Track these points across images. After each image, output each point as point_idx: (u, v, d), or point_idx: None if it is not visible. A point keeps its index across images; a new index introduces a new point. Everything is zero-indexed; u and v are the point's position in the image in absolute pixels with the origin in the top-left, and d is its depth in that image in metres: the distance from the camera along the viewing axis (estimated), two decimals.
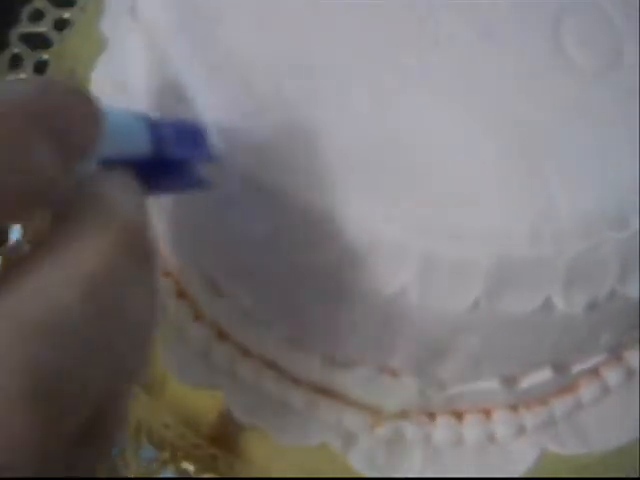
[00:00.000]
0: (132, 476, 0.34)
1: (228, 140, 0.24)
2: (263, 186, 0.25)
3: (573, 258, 0.25)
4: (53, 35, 0.41)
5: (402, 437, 0.34)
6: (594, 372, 0.34)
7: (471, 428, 0.34)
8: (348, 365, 0.31)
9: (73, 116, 0.17)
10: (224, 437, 0.35)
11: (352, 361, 0.31)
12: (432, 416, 0.34)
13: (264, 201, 0.25)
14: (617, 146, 0.26)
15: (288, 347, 0.32)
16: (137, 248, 0.16)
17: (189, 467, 0.35)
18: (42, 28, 0.41)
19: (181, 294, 0.36)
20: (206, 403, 0.35)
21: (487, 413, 0.34)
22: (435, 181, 0.25)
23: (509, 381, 0.31)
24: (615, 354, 0.34)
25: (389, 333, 0.28)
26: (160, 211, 0.28)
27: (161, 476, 0.34)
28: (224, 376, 0.35)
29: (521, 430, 0.34)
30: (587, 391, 0.34)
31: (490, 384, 0.31)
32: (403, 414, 0.34)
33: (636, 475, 0.34)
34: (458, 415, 0.34)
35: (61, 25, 0.42)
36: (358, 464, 0.34)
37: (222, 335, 0.35)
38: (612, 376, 0.34)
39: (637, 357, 0.35)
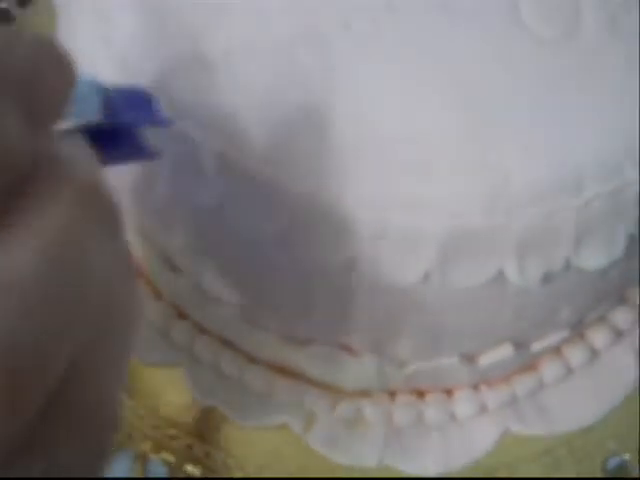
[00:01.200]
0: None
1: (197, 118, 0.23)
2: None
3: (526, 227, 0.25)
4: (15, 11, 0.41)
5: (362, 417, 0.33)
6: (556, 351, 0.34)
7: (432, 407, 0.33)
8: (306, 343, 0.31)
9: (44, 77, 0.15)
10: (199, 427, 0.34)
11: (310, 339, 0.30)
12: (393, 395, 0.33)
13: (218, 169, 0.25)
14: (572, 114, 0.25)
15: (245, 325, 0.32)
16: (95, 207, 0.16)
17: (169, 457, 0.34)
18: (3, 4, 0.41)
19: (140, 273, 0.35)
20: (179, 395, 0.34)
21: (449, 392, 0.33)
22: (387, 150, 0.25)
23: (469, 358, 0.31)
24: (577, 333, 0.34)
25: (343, 308, 0.27)
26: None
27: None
28: (184, 355, 0.34)
29: (483, 409, 0.33)
30: (549, 370, 0.34)
31: (450, 361, 0.31)
32: (363, 393, 0.33)
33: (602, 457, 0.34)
34: (419, 394, 0.34)
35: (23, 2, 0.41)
36: (318, 445, 0.33)
37: (182, 314, 0.34)
38: (575, 356, 0.34)
39: (601, 337, 0.34)
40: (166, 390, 0.34)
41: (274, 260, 0.27)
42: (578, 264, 0.26)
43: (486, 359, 0.31)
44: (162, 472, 0.33)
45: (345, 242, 0.25)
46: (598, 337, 0.34)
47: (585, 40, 0.27)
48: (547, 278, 0.26)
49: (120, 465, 0.33)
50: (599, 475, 0.33)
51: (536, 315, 0.29)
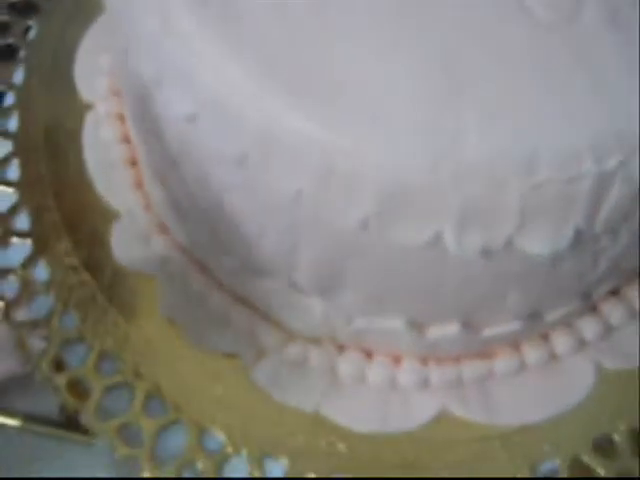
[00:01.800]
0: None
1: None
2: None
3: (469, 196, 0.25)
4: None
5: (308, 362, 0.34)
6: (514, 345, 0.34)
7: (376, 369, 0.34)
8: (262, 275, 0.32)
9: None
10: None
11: (265, 271, 0.31)
12: (342, 348, 0.34)
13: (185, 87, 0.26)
14: (546, 98, 0.25)
15: (212, 249, 0.33)
16: None
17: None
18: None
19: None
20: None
21: (396, 359, 0.34)
22: (348, 98, 0.25)
23: (415, 326, 0.31)
24: (537, 332, 0.33)
25: (290, 241, 0.28)
26: None
27: None
28: (159, 266, 0.36)
29: (426, 383, 0.33)
30: (503, 362, 0.34)
31: (394, 324, 0.31)
32: (314, 340, 0.34)
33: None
34: (368, 354, 0.34)
35: None
36: (262, 380, 0.34)
37: (163, 228, 0.36)
38: (532, 354, 0.34)
39: (563, 342, 0.34)
40: None
41: (231, 183, 0.28)
42: (521, 246, 0.26)
43: (434, 332, 0.32)
44: None
45: (295, 174, 0.25)
46: (560, 342, 0.34)
47: (583, 27, 0.26)
48: (487, 253, 0.26)
49: None
50: (526, 475, 0.33)
51: (481, 293, 0.29)
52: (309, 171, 0.25)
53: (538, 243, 0.26)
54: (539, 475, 0.33)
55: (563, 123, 0.25)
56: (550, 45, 0.26)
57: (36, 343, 0.35)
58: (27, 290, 0.36)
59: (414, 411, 0.34)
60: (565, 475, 0.32)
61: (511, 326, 0.32)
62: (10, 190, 0.38)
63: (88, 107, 0.40)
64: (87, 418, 0.33)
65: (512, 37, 0.26)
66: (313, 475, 0.32)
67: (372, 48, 0.26)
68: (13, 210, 0.37)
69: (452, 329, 0.31)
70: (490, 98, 0.25)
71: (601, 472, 0.32)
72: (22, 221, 0.37)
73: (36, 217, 0.37)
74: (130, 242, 0.36)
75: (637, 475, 0.32)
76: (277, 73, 0.25)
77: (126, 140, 0.38)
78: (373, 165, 0.25)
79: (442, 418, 0.34)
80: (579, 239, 0.26)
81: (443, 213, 0.25)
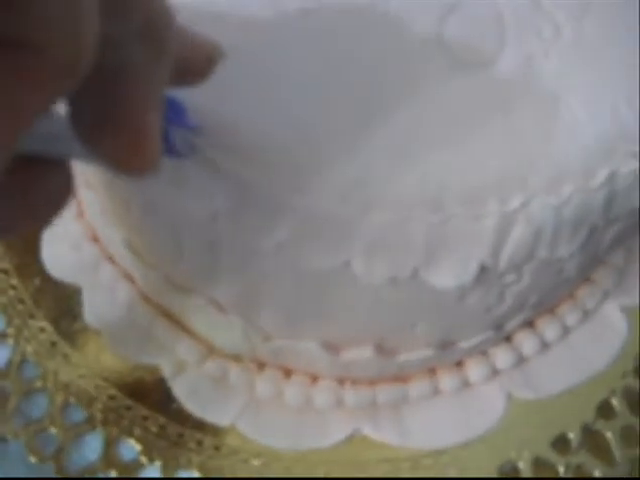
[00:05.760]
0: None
1: None
2: None
3: (378, 226, 0.25)
4: None
5: (227, 379, 0.35)
6: (429, 371, 0.35)
7: (293, 388, 0.34)
8: (184, 291, 0.32)
9: None
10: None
11: (187, 287, 0.32)
12: (262, 367, 0.35)
13: None
14: (453, 137, 0.26)
15: (138, 262, 0.33)
16: None
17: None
18: None
19: None
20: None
21: (314, 379, 0.35)
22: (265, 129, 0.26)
23: (330, 349, 0.32)
24: (451, 359, 0.34)
25: (208, 260, 0.29)
26: None
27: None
28: (88, 276, 0.36)
29: (340, 403, 0.34)
30: (417, 387, 0.35)
31: (310, 346, 0.32)
32: (234, 357, 0.35)
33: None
34: (286, 372, 0.35)
35: None
36: (180, 394, 0.35)
37: (94, 237, 0.36)
38: (446, 381, 0.35)
39: (477, 371, 0.35)
40: None
41: (151, 200, 0.28)
42: (427, 278, 0.27)
43: (348, 355, 0.32)
44: None
45: (211, 196, 0.26)
46: (474, 370, 0.35)
47: (500, 72, 0.28)
48: (395, 282, 0.27)
49: None
50: None
51: (392, 320, 0.30)
52: (225, 193, 0.26)
53: (443, 276, 0.27)
54: None
55: (471, 163, 0.26)
56: (466, 86, 0.27)
57: None
58: None
59: (328, 430, 0.35)
60: None
61: (425, 352, 0.33)
62: None
63: None
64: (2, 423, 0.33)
65: (430, 75, 0.27)
66: None
67: (292, 85, 0.26)
68: None
69: (366, 353, 0.32)
70: (402, 134, 0.26)
71: None
72: None
73: None
74: (60, 250, 0.37)
75: None
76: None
77: None
78: (287, 191, 0.25)
79: (355, 438, 0.35)
80: (484, 275, 0.27)
81: (353, 241, 0.26)
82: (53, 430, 0.34)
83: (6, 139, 0.14)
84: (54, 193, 0.18)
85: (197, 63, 0.21)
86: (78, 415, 0.34)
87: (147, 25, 0.17)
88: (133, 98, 0.18)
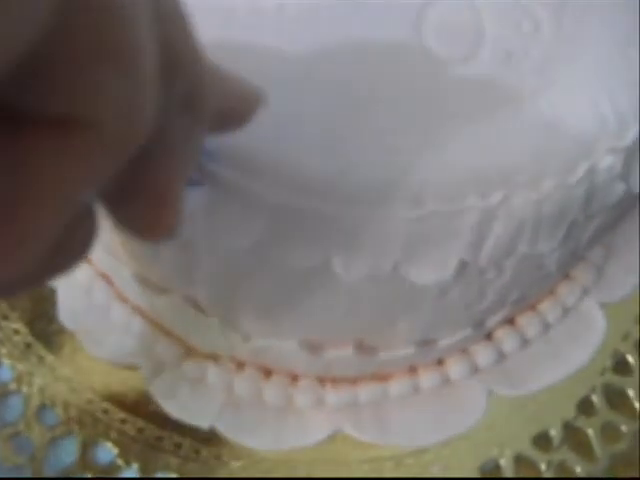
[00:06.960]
0: None
1: None
2: None
3: (358, 224, 0.25)
4: None
5: (206, 379, 0.34)
6: (410, 369, 0.35)
7: (273, 388, 0.34)
8: (161, 291, 0.32)
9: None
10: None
11: (164, 288, 0.31)
12: (241, 366, 0.34)
13: None
14: (434, 132, 0.26)
15: (115, 262, 0.33)
16: None
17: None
18: None
19: None
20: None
21: (294, 378, 0.34)
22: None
23: (310, 347, 0.32)
24: (431, 356, 0.34)
25: (186, 259, 0.28)
26: None
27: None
28: (63, 277, 0.36)
29: (320, 403, 0.34)
30: (398, 385, 0.34)
31: (290, 345, 0.31)
32: (213, 357, 0.34)
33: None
34: (266, 372, 0.34)
35: None
36: (159, 395, 0.34)
37: None
38: (426, 378, 0.35)
39: (457, 369, 0.35)
40: None
41: None
42: (407, 274, 0.26)
43: (328, 353, 0.32)
44: None
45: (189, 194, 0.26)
46: (454, 368, 0.35)
47: (479, 66, 0.27)
48: (374, 279, 0.26)
49: None
50: None
51: (372, 317, 0.29)
52: (201, 195, 0.25)
53: (423, 272, 0.26)
54: None
55: (451, 158, 0.26)
56: (446, 82, 0.27)
57: None
58: None
59: (309, 430, 0.34)
60: None
61: (405, 350, 0.32)
62: None
63: None
64: None
65: (410, 73, 0.27)
66: None
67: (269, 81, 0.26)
68: None
69: (346, 351, 0.32)
70: (382, 130, 0.26)
71: None
72: None
73: None
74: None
75: None
76: None
77: None
78: (264, 186, 0.25)
79: (336, 438, 0.34)
80: (464, 271, 0.27)
81: (332, 238, 0.26)
82: (28, 433, 0.33)
83: (51, 221, 0.14)
84: (80, 240, 0.17)
85: (239, 111, 0.20)
86: (53, 418, 0.34)
87: (189, 93, 0.16)
88: (162, 168, 0.16)
